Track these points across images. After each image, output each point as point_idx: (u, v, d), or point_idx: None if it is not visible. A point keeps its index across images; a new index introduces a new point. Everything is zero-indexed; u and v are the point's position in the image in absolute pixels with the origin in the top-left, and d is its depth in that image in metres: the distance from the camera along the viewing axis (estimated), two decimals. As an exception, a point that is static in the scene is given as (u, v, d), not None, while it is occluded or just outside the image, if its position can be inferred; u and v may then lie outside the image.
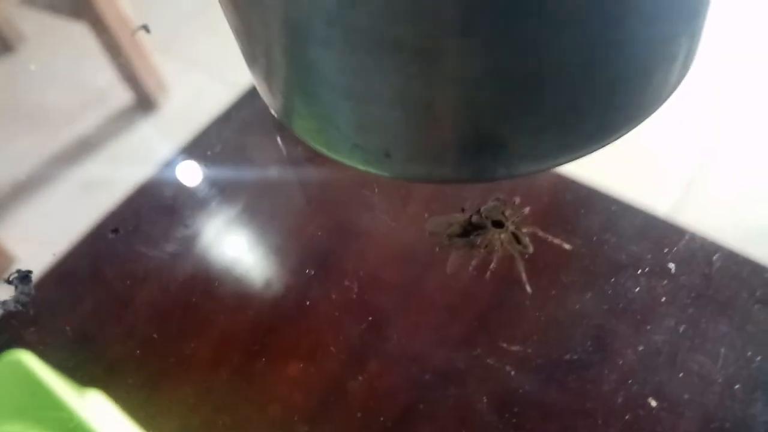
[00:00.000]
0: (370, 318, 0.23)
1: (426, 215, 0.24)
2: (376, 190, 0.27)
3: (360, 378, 0.22)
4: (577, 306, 0.22)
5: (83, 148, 0.41)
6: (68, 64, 0.49)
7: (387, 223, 0.27)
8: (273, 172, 0.30)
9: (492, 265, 0.22)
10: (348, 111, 0.21)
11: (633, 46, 0.19)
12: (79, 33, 0.54)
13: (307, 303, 0.24)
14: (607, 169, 0.24)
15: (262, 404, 0.22)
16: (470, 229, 0.22)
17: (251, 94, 0.32)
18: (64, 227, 0.31)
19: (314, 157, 0.29)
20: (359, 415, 0.22)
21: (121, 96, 0.53)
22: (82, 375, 0.23)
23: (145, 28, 0.32)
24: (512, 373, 0.21)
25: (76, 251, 0.27)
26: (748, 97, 0.29)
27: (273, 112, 0.25)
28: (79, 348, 0.24)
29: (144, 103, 0.52)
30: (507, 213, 0.22)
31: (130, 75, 0.52)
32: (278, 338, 0.23)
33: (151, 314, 0.25)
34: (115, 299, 0.25)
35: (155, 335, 0.24)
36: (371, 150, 0.22)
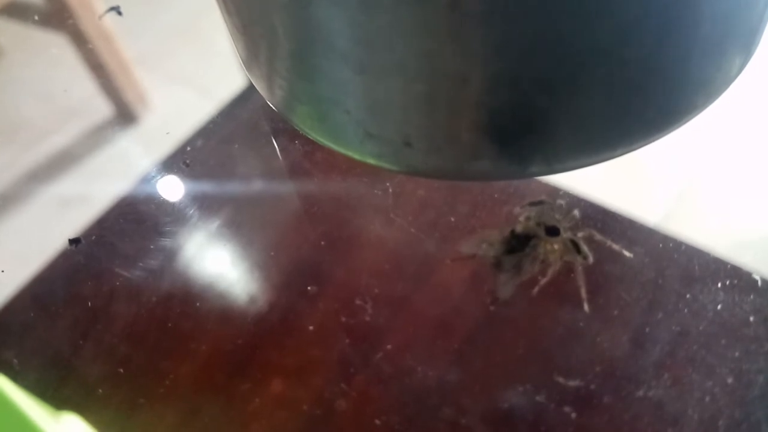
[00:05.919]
0: (367, 336, 0.20)
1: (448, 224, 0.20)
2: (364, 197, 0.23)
3: (349, 396, 0.19)
4: (647, 329, 0.18)
5: (60, 163, 0.40)
6: (45, 76, 0.47)
7: (382, 230, 0.23)
8: (257, 185, 0.28)
9: (544, 280, 0.18)
10: (360, 88, 0.17)
11: (715, 15, 0.16)
12: (57, 44, 0.52)
13: (294, 319, 0.22)
14: (594, 179, 0.21)
15: (246, 424, 0.20)
16: (516, 244, 0.18)
17: (233, 107, 0.31)
18: (39, 244, 0.29)
19: (306, 163, 0.27)
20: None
21: (100, 109, 0.52)
22: (57, 398, 0.21)
23: (116, 10, 0.28)
24: (572, 415, 0.16)
25: (49, 269, 0.25)
26: (740, 103, 0.27)
27: (271, 103, 0.21)
28: (54, 369, 0.22)
29: (124, 116, 0.50)
30: (557, 217, 0.18)
31: (109, 88, 0.51)
32: (263, 357, 0.21)
33: (128, 333, 0.23)
34: (91, 318, 0.23)
35: (133, 355, 0.22)
36: (387, 138, 0.18)
